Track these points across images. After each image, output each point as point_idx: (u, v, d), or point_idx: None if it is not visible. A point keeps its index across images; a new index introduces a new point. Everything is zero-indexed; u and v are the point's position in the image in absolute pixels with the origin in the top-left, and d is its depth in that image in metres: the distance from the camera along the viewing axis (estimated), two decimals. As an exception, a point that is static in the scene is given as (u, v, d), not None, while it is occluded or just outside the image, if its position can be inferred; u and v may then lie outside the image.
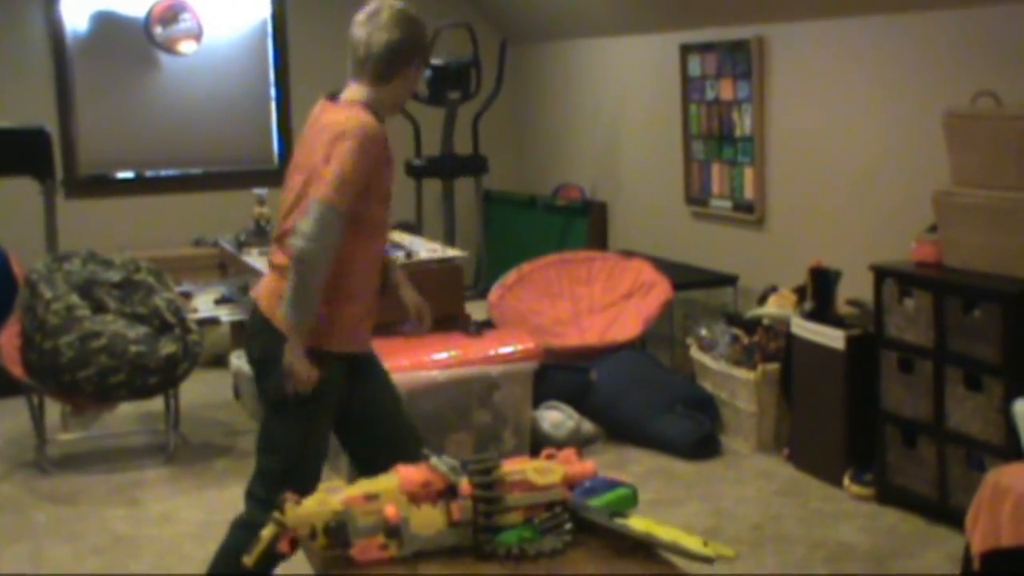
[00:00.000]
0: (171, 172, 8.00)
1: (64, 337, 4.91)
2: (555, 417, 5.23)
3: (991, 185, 4.09)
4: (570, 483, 2.61)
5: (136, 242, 7.41)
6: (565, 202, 7.70)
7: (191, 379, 5.30)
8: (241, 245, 5.92)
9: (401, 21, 3.25)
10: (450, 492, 2.48)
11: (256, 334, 3.27)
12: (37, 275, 5.16)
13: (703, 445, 5.12)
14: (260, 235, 5.99)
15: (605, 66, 7.44)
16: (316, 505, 2.43)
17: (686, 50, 6.48)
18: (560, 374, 5.39)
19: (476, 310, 5.63)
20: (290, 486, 2.66)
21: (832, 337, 4.69)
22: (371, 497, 2.44)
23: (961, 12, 4.72)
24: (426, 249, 5.63)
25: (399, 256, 5.42)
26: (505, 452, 4.79)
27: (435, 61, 7.12)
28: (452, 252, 5.63)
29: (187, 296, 5.70)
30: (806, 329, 4.84)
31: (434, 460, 2.54)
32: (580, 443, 5.03)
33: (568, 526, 2.53)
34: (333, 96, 3.41)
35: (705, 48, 6.33)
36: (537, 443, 4.91)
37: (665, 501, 4.59)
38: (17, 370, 5.08)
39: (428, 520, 2.46)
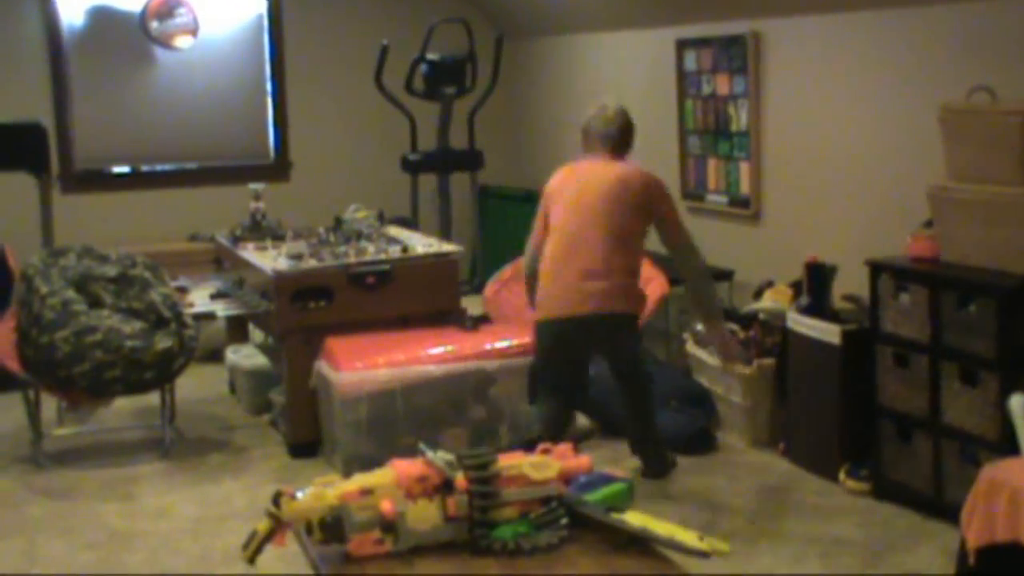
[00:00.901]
0: (167, 167, 8.00)
1: (60, 332, 4.91)
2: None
3: (987, 180, 4.09)
4: (566, 478, 2.61)
5: (132, 237, 7.41)
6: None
7: (186, 374, 5.30)
8: (237, 240, 5.92)
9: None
10: (446, 487, 2.48)
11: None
12: (33, 270, 5.15)
13: (698, 440, 5.12)
14: (256, 230, 5.99)
15: (601, 61, 7.43)
16: (312, 500, 2.42)
17: (682, 45, 6.48)
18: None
19: (472, 305, 5.63)
20: None
21: (828, 332, 4.69)
22: (367, 492, 2.44)
23: (956, 7, 4.72)
24: (422, 244, 5.63)
25: (395, 250, 5.42)
26: (501, 447, 4.79)
27: (431, 56, 7.11)
28: (448, 247, 5.63)
29: (183, 291, 5.69)
30: (802, 324, 4.85)
31: (430, 455, 2.54)
32: (576, 438, 5.02)
33: (564, 521, 2.53)
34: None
35: (701, 43, 6.33)
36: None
37: (661, 496, 4.59)
38: (13, 365, 5.08)
39: (424, 515, 2.46)
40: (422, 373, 4.87)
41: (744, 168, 6.07)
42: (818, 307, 4.83)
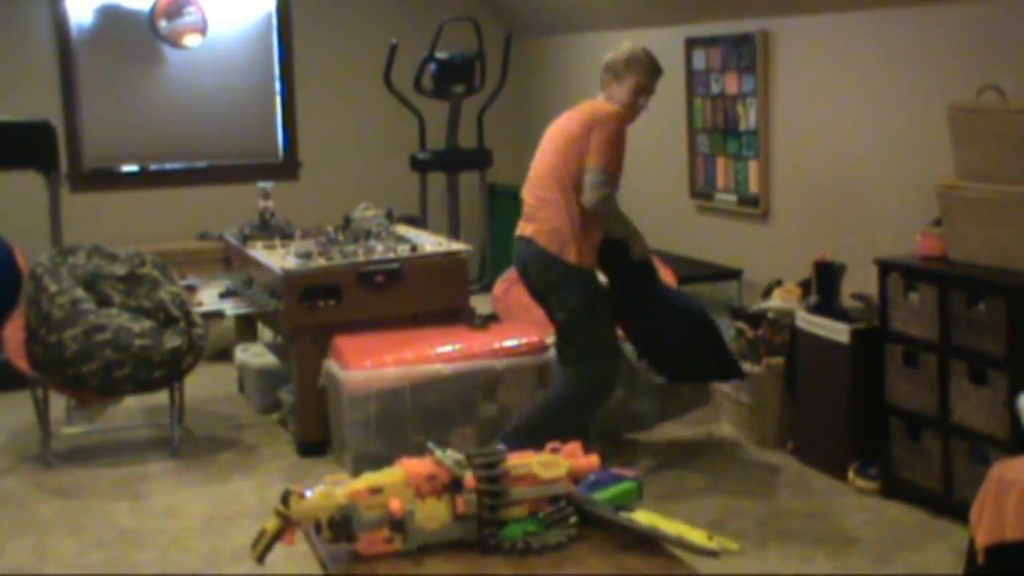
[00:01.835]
0: (176, 166, 8.01)
1: (69, 331, 4.92)
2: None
3: (996, 179, 4.09)
4: (575, 477, 2.61)
5: (141, 236, 7.42)
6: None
7: (196, 372, 5.31)
8: (246, 239, 5.92)
9: None
10: (455, 486, 2.48)
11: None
12: (42, 269, 5.16)
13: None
14: (265, 228, 5.99)
15: (610, 60, 7.42)
16: (321, 498, 2.43)
17: (691, 44, 6.48)
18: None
19: (481, 304, 5.63)
20: None
21: (837, 331, 4.69)
22: (376, 490, 2.45)
23: (966, 6, 4.72)
24: (431, 243, 5.63)
25: (404, 249, 5.42)
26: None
27: (440, 55, 7.11)
28: (457, 246, 5.63)
29: (192, 290, 5.70)
30: (811, 323, 4.84)
31: (439, 454, 2.54)
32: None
33: (573, 520, 2.53)
34: None
35: (710, 42, 6.33)
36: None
37: (670, 495, 4.59)
38: (22, 364, 5.09)
39: (433, 513, 2.47)
40: (431, 372, 4.87)
41: (753, 167, 6.06)
42: (827, 306, 4.82)
